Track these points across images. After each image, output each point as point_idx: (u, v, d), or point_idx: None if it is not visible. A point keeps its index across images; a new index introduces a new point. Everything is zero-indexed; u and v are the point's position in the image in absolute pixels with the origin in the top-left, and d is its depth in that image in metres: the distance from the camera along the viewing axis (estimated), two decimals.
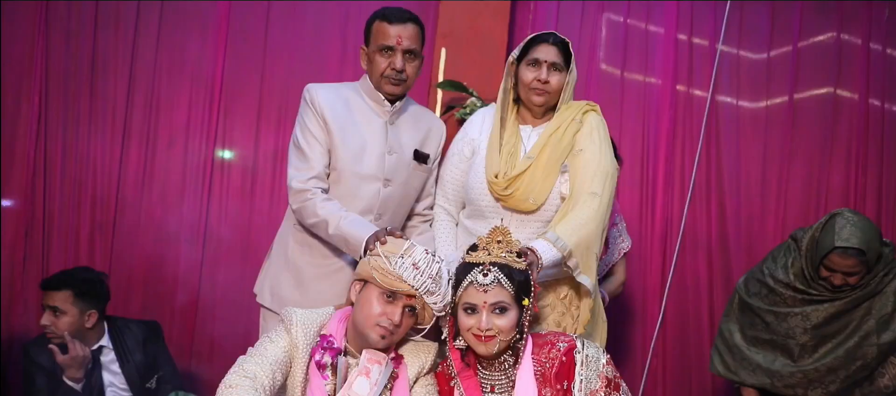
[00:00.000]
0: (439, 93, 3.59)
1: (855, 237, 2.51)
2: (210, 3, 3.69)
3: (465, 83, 3.49)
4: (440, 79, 3.58)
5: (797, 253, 2.70)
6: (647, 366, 3.75)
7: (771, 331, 2.73)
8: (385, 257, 1.99)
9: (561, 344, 2.05)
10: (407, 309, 1.99)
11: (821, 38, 3.84)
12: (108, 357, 2.91)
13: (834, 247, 2.52)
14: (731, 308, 2.90)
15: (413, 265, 1.97)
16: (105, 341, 2.91)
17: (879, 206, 3.75)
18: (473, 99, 3.47)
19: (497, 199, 2.37)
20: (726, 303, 2.97)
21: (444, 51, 3.60)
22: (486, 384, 2.06)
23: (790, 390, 2.71)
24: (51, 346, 2.75)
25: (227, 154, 3.75)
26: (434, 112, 3.51)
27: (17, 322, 3.44)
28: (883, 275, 2.62)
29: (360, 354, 2.00)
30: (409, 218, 2.56)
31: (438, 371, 2.13)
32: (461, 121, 3.30)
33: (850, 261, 2.52)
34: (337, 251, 2.36)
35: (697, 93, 3.86)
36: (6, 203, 3.50)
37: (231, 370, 1.91)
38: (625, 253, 3.04)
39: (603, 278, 2.98)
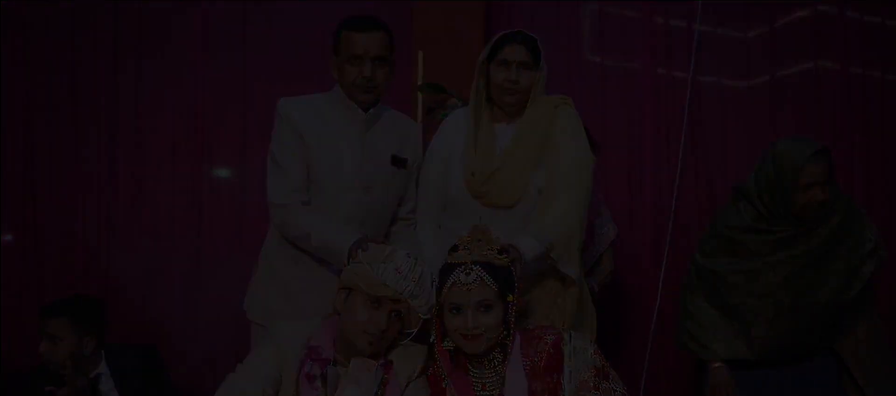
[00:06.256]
0: (420, 96, 3.60)
1: (809, 144, 2.47)
2: (186, 22, 3.71)
3: (444, 85, 3.49)
4: (420, 82, 3.59)
5: (746, 201, 2.61)
6: (647, 353, 3.74)
7: (742, 293, 2.61)
8: (368, 264, 2.01)
9: (548, 338, 2.06)
10: (393, 314, 2.00)
11: (798, 12, 3.82)
12: (107, 385, 2.88)
13: (809, 158, 2.44)
14: (689, 280, 2.75)
15: (396, 270, 1.98)
16: (103, 368, 2.89)
17: (868, 175, 3.73)
18: (455, 100, 3.48)
19: (475, 197, 2.38)
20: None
21: (421, 54, 3.61)
22: (478, 382, 2.07)
23: (767, 355, 2.60)
24: (48, 389, 2.67)
25: (215, 173, 3.77)
26: (416, 115, 3.52)
27: (14, 352, 3.46)
28: (842, 218, 2.55)
29: (350, 363, 2.00)
30: (392, 222, 2.56)
31: (430, 374, 2.13)
32: None
33: (823, 165, 2.46)
34: (323, 262, 2.36)
35: (679, 75, 3.85)
36: (7, 238, 3.53)
37: (220, 388, 1.93)
38: (611, 242, 3.04)
39: (591, 268, 2.98)
